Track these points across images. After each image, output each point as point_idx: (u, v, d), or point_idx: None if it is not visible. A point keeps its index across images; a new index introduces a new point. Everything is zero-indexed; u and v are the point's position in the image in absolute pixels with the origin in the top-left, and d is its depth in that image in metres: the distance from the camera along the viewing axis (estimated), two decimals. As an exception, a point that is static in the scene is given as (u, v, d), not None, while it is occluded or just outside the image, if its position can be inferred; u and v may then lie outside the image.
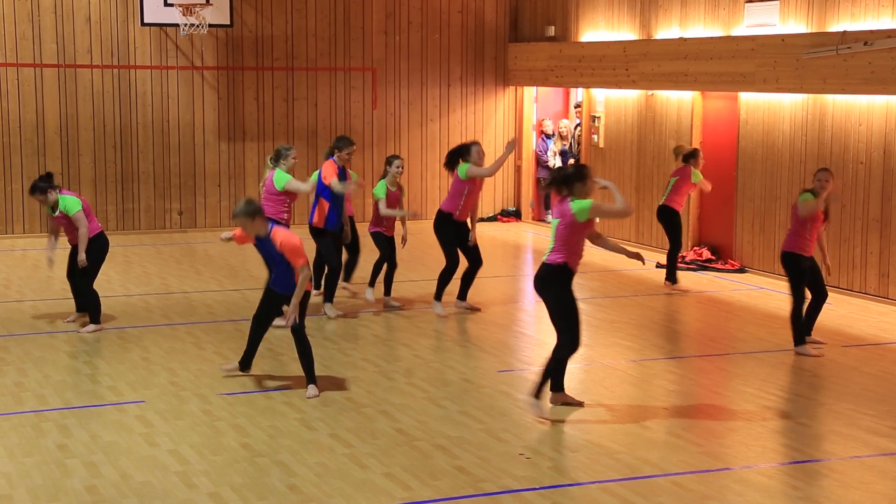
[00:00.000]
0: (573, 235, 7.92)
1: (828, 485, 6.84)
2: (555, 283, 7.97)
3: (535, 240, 16.51)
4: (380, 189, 11.15)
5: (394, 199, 11.23)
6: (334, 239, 10.94)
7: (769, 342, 10.31)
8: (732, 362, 9.67)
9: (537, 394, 8.05)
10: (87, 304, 10.39)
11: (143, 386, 8.74)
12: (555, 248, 7.98)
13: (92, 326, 10.32)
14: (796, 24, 13.08)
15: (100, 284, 12.66)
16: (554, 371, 8.12)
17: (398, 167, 11.21)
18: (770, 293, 12.54)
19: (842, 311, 11.58)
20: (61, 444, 7.38)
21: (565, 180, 7.95)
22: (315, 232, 10.94)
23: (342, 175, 10.89)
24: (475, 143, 11.12)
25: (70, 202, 10.12)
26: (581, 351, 10.10)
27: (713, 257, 14.22)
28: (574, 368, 9.47)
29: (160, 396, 8.47)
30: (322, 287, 11.22)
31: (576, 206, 7.87)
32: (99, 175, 16.17)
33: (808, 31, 12.88)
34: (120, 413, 8.07)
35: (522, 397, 8.32)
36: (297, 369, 9.27)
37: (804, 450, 7.50)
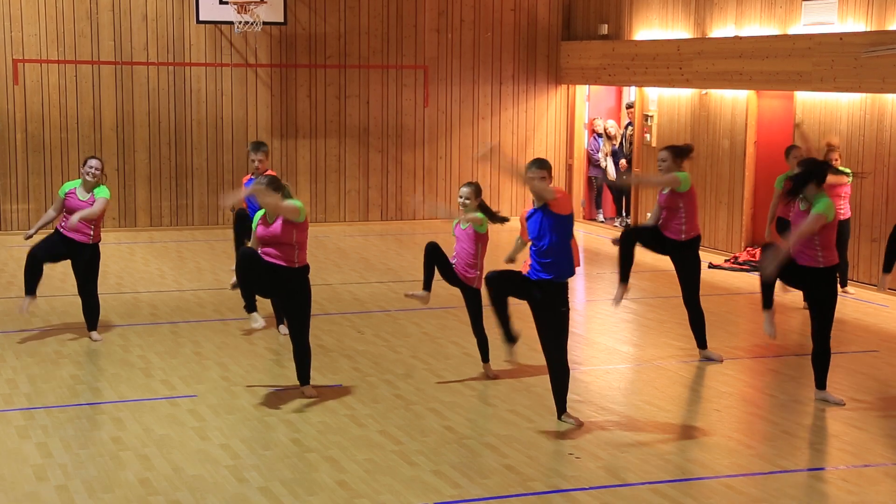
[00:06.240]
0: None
1: (885, 490, 6.73)
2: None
3: (586, 239, 16.42)
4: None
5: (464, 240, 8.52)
6: None
7: (824, 345, 10.17)
8: (785, 364, 9.55)
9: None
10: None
11: (196, 380, 8.83)
12: None
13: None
14: (855, 23, 12.88)
15: (154, 279, 12.85)
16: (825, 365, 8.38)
17: (460, 196, 8.46)
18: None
19: (899, 314, 11.40)
20: (115, 437, 7.48)
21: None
22: None
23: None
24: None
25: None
26: (630, 351, 10.05)
27: (767, 258, 14.05)
28: (624, 369, 9.42)
29: (212, 391, 8.54)
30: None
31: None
32: (154, 171, 16.34)
33: (867, 29, 12.68)
34: (172, 407, 8.15)
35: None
36: (347, 366, 9.32)
37: (860, 454, 7.38)
